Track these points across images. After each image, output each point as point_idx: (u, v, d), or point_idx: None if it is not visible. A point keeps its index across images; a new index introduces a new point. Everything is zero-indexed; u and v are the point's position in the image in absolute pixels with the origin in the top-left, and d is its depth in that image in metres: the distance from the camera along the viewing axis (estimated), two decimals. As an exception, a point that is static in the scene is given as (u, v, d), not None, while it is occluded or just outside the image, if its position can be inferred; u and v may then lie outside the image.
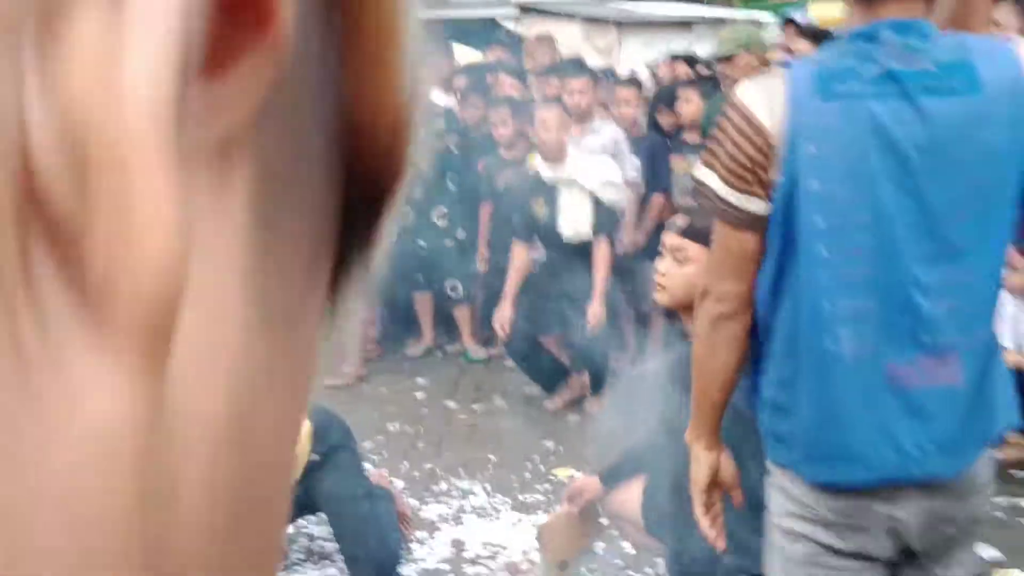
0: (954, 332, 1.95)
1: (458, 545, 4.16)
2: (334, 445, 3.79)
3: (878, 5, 1.92)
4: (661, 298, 3.12)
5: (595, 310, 5.32)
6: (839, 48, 2.08)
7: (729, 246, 2.04)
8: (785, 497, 2.09)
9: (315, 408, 3.86)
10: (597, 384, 5.55)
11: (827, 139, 1.94)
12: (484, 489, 4.69)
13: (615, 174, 5.57)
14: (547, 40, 7.74)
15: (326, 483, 3.74)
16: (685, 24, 16.63)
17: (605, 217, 5.45)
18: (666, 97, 6.19)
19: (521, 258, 5.64)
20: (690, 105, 5.67)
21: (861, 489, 2.01)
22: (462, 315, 6.85)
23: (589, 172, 5.45)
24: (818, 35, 6.32)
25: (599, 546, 3.84)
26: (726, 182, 1.97)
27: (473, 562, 4.02)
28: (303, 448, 3.71)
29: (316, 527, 4.25)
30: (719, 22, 16.86)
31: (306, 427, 3.73)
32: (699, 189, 2.06)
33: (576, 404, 5.70)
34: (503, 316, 5.62)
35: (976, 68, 1.90)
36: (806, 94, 1.95)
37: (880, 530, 2.03)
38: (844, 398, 1.98)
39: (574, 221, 5.40)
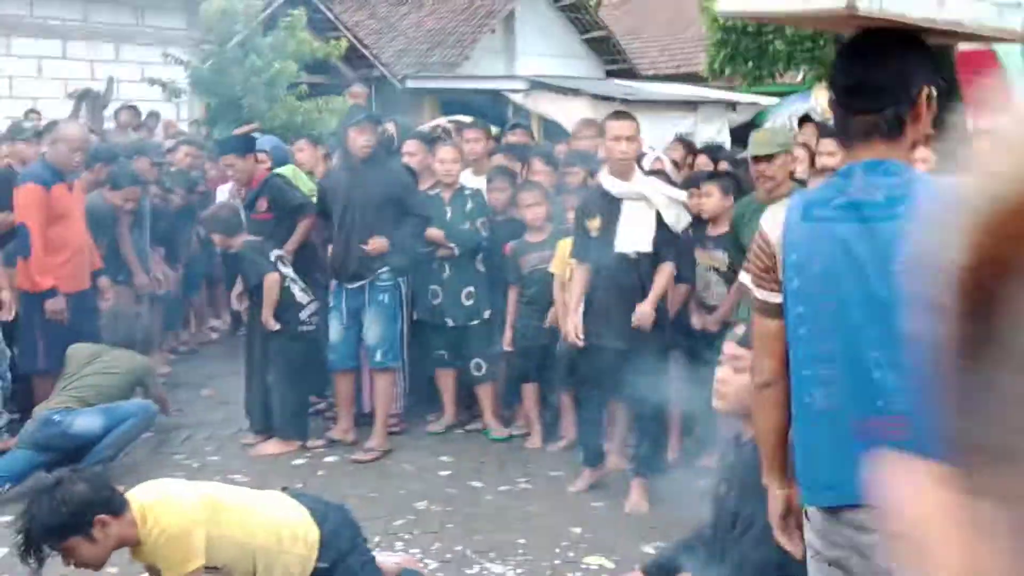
0: (903, 399, 2.34)
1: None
2: (343, 551, 3.82)
3: (854, 151, 2.54)
4: (720, 405, 3.20)
5: (644, 308, 5.32)
6: (827, 182, 2.82)
7: (761, 330, 2.67)
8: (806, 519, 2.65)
9: (325, 510, 3.91)
10: (645, 467, 5.59)
11: (804, 250, 2.55)
12: (517, 574, 4.72)
13: (681, 195, 5.60)
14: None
15: None
16: (691, 104, 16.88)
17: (666, 236, 5.42)
18: (696, 184, 6.21)
19: (583, 277, 5.57)
20: (711, 200, 5.79)
21: (834, 508, 2.53)
22: (485, 393, 6.91)
23: (657, 188, 5.51)
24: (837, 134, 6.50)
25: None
26: (755, 282, 2.67)
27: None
28: (310, 556, 3.75)
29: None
30: (724, 104, 17.18)
31: (313, 534, 3.77)
32: (742, 288, 3.08)
33: (601, 488, 5.73)
34: (575, 323, 5.53)
35: (914, 199, 2.36)
36: (794, 217, 2.58)
37: (850, 550, 2.51)
38: (818, 442, 2.56)
39: (633, 236, 5.38)
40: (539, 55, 20.79)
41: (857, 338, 2.49)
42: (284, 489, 4.14)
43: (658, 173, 6.29)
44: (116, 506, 3.48)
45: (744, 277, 2.90)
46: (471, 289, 6.79)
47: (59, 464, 5.70)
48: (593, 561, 4.82)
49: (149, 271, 8.25)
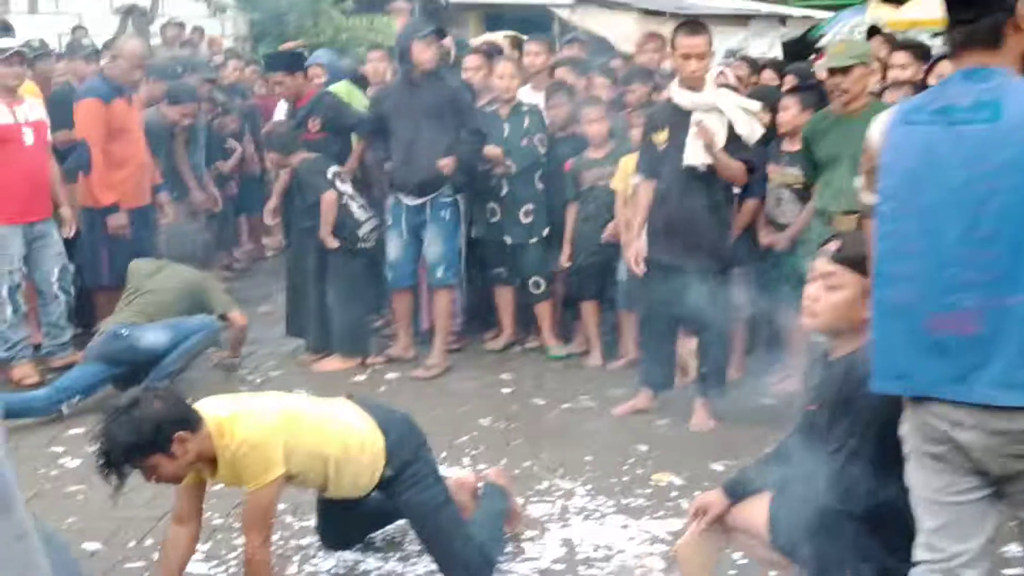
0: (977, 297, 2.51)
1: (568, 545, 4.17)
2: (407, 459, 3.81)
3: (958, 60, 2.64)
4: (810, 323, 3.13)
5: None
6: (928, 89, 3.14)
7: (871, 234, 2.77)
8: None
9: (390, 419, 3.90)
10: (708, 386, 5.54)
11: (895, 151, 2.65)
12: (586, 490, 4.70)
13: (755, 105, 5.44)
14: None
15: (404, 496, 3.80)
16: (742, 19, 16.55)
17: (737, 150, 5.25)
18: (765, 98, 5.99)
19: (647, 194, 5.47)
20: (788, 113, 5.63)
21: (920, 399, 2.66)
22: (543, 311, 6.86)
23: (730, 98, 5.37)
24: (910, 46, 6.30)
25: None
26: (864, 185, 2.82)
27: (587, 564, 4.02)
28: (376, 464, 3.75)
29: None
30: (776, 18, 16.83)
31: (379, 443, 3.76)
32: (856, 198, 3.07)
33: (663, 407, 5.70)
34: (637, 250, 5.48)
35: (1001, 105, 2.51)
36: (893, 121, 2.70)
37: (948, 445, 2.64)
38: (893, 335, 2.67)
39: (703, 149, 5.19)
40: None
41: (936, 236, 2.58)
42: (350, 396, 4.10)
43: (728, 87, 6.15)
44: (193, 422, 3.48)
45: (856, 182, 2.99)
46: (530, 207, 6.70)
47: (125, 377, 5.79)
48: (662, 478, 4.79)
49: (204, 188, 8.25)
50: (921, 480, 2.77)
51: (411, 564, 4.07)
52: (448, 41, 7.62)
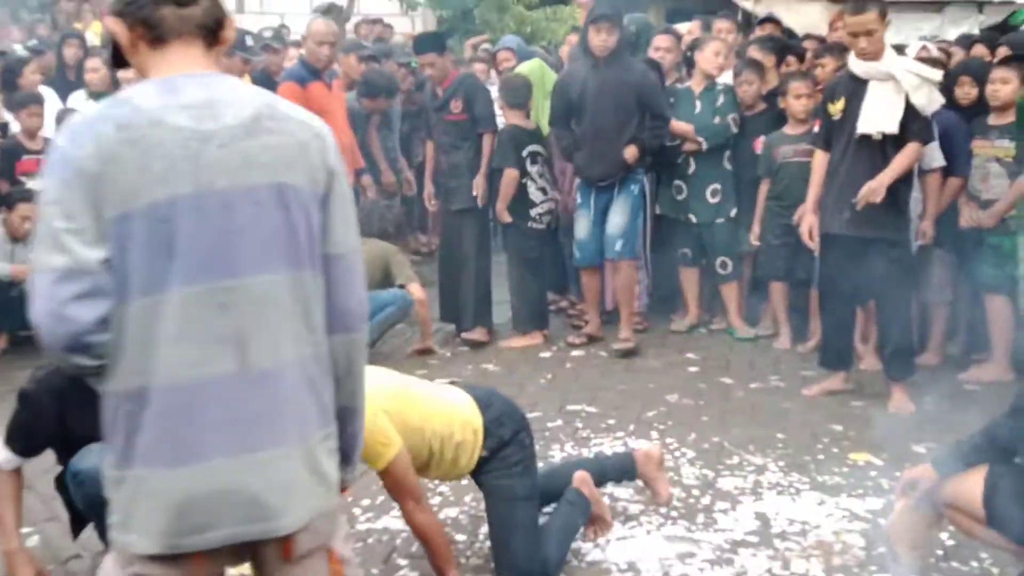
0: None
1: (763, 519, 4.04)
2: (504, 440, 3.69)
3: None
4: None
5: (872, 184, 4.93)
6: None
7: None
8: None
9: (491, 399, 3.78)
10: (895, 369, 5.31)
11: None
12: (778, 466, 4.56)
13: (935, 75, 5.13)
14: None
15: (488, 476, 3.68)
16: (937, 5, 15.90)
17: (913, 119, 4.99)
18: (975, 71, 5.76)
19: (822, 165, 5.33)
20: (1008, 87, 5.29)
21: None
22: (729, 292, 6.72)
23: (908, 67, 5.09)
24: None
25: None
26: None
27: (782, 537, 3.89)
28: (476, 443, 3.64)
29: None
30: (974, 4, 16.08)
31: (479, 421, 3.65)
32: None
33: (858, 388, 5.50)
34: (810, 223, 5.36)
35: None
36: None
37: None
38: None
39: (878, 117, 4.99)
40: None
41: None
42: (453, 382, 4.07)
43: (930, 61, 5.88)
44: None
45: None
46: (717, 186, 6.57)
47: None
48: (859, 457, 4.60)
49: (399, 171, 8.39)
50: None
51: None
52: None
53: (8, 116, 6.87)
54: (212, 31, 2.02)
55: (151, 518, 1.92)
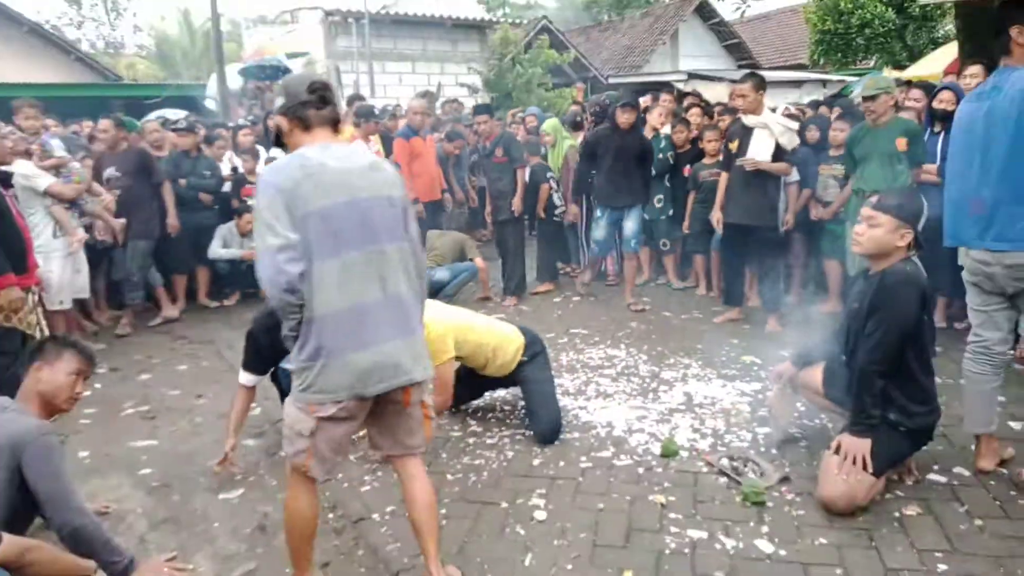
0: (990, 200, 2.80)
1: (688, 396, 4.03)
2: (536, 352, 3.70)
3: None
4: (857, 250, 2.88)
5: (749, 158, 4.92)
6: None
7: None
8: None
9: (527, 330, 3.77)
10: (770, 305, 5.23)
11: (957, 120, 3.00)
12: (698, 364, 4.53)
13: (793, 124, 5.06)
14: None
15: (526, 371, 3.65)
16: (797, 83, 15.53)
17: (781, 153, 4.93)
18: (819, 123, 5.67)
19: (724, 181, 5.23)
20: (841, 133, 5.16)
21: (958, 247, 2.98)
22: (669, 261, 6.64)
23: (775, 119, 5.01)
24: (921, 85, 5.67)
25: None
26: None
27: (700, 406, 3.88)
28: (519, 351, 3.64)
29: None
30: (820, 82, 15.64)
31: (521, 340, 3.65)
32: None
33: (745, 320, 5.42)
34: (717, 216, 5.26)
35: (1008, 86, 2.75)
36: (961, 105, 3.07)
37: (981, 276, 2.89)
38: (950, 214, 2.99)
39: (757, 151, 4.91)
40: (694, 56, 19.55)
41: (970, 163, 2.87)
42: (501, 318, 4.10)
43: (791, 116, 5.77)
44: None
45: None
46: (661, 196, 6.45)
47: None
48: (747, 359, 4.56)
49: (466, 191, 8.34)
50: (971, 298, 3.01)
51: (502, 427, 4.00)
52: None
53: (237, 161, 6.94)
54: (335, 122, 2.27)
55: (341, 381, 2.14)
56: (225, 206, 6.59)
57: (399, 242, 2.23)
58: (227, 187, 6.67)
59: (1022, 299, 2.85)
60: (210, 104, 12.25)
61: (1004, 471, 3.04)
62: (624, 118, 5.82)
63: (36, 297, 3.88)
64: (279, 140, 2.29)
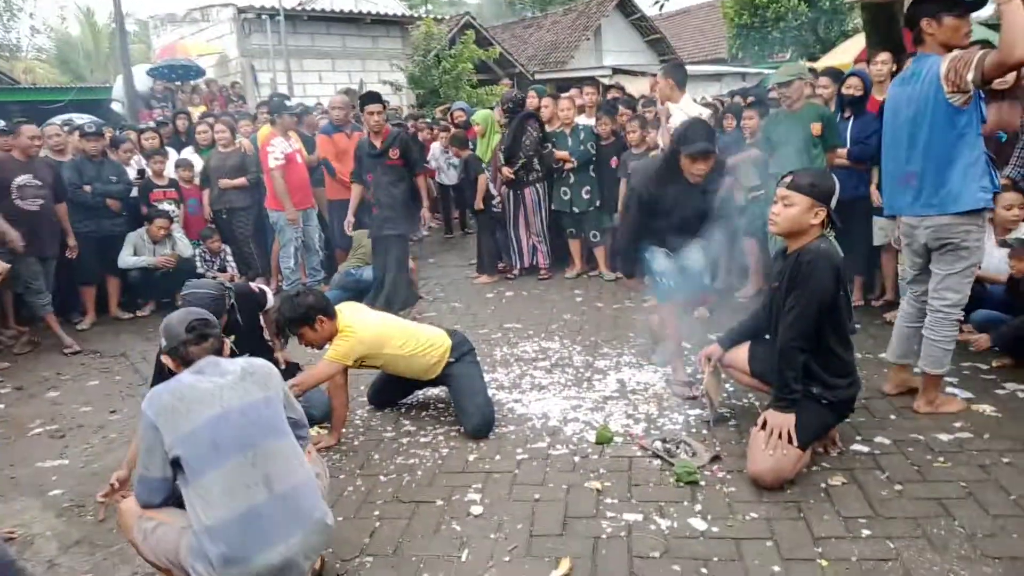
0: (915, 167, 3.20)
1: (621, 383, 4.08)
2: (464, 352, 3.71)
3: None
4: (773, 229, 2.97)
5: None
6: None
7: None
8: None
9: (454, 333, 3.78)
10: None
11: (888, 102, 3.37)
12: (630, 353, 4.59)
13: (705, 111, 4.89)
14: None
15: (453, 369, 3.65)
16: (717, 76, 16.06)
17: None
18: (734, 111, 5.88)
19: None
20: (752, 121, 5.35)
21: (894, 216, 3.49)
22: (599, 252, 6.71)
23: (688, 107, 4.94)
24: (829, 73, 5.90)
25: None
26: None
27: (633, 392, 3.94)
28: (445, 354, 3.65)
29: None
30: (739, 74, 16.18)
31: (446, 344, 3.66)
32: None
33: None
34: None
35: (923, 71, 3.12)
36: (891, 88, 3.38)
37: (909, 238, 3.36)
38: (887, 185, 3.46)
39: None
40: (617, 52, 19.90)
41: (900, 141, 3.25)
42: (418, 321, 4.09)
43: (709, 106, 5.94)
44: (330, 312, 3.44)
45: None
46: (588, 187, 6.53)
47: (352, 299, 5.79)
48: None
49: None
50: (906, 256, 3.46)
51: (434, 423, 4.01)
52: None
53: (144, 163, 6.65)
54: (219, 351, 2.40)
55: None
56: (134, 212, 6.32)
57: (281, 438, 2.27)
58: (134, 192, 6.40)
59: (940, 254, 3.24)
60: (117, 107, 11.72)
61: (910, 411, 3.33)
62: (696, 169, 3.71)
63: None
64: (169, 372, 2.41)
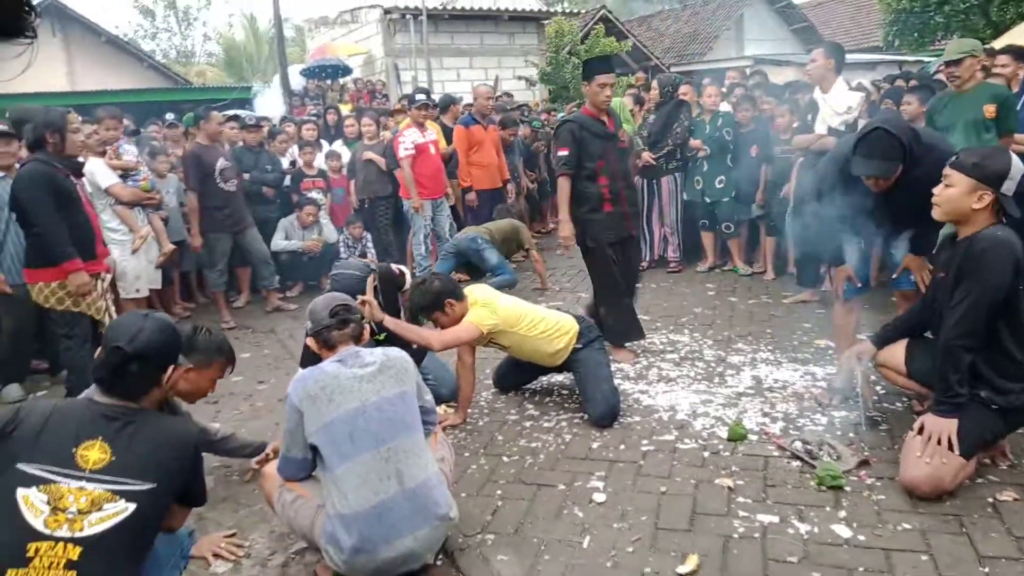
0: None
1: (757, 380, 3.86)
2: (591, 339, 3.62)
3: None
4: (936, 212, 2.68)
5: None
6: None
7: None
8: None
9: (581, 319, 3.69)
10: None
11: None
12: (767, 348, 4.34)
13: (849, 107, 4.55)
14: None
15: (581, 353, 3.56)
16: (871, 66, 14.93)
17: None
18: (891, 97, 5.37)
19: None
20: (911, 106, 4.87)
21: None
22: (734, 245, 6.41)
23: (834, 100, 4.60)
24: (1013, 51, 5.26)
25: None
26: None
27: (770, 390, 3.71)
28: (572, 339, 3.56)
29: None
30: (895, 63, 14.95)
31: (576, 328, 3.57)
32: None
33: (819, 303, 5.16)
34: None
35: None
36: None
37: None
38: None
39: (822, 123, 4.59)
40: (759, 41, 18.99)
41: None
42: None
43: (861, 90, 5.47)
44: (459, 295, 3.43)
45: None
46: (722, 177, 6.23)
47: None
48: (821, 342, 4.34)
49: (518, 180, 8.21)
50: None
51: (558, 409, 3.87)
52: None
53: (297, 154, 7.05)
54: (358, 337, 2.52)
55: (364, 570, 2.24)
56: (286, 200, 6.72)
57: (413, 433, 2.32)
58: (287, 181, 6.80)
59: None
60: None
61: None
62: (870, 185, 3.08)
63: (105, 284, 4.01)
64: (315, 358, 2.52)
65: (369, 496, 2.18)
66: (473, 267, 6.02)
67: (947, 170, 2.62)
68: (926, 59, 14.86)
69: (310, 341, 2.56)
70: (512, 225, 6.37)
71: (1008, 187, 2.55)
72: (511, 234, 6.29)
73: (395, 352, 2.48)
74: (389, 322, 3.28)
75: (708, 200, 6.30)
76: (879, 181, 3.00)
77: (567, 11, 17.02)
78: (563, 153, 4.16)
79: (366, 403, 2.27)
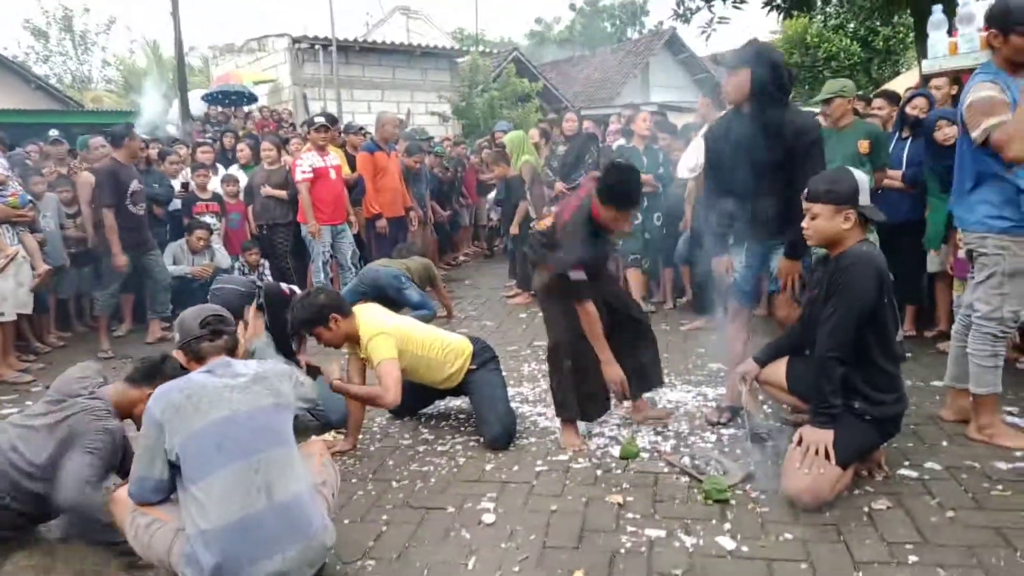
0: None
1: (651, 401, 3.87)
2: (485, 359, 3.59)
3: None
4: (811, 243, 2.81)
5: None
6: None
7: None
8: None
9: (476, 339, 3.69)
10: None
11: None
12: (666, 372, 4.34)
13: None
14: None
15: (475, 377, 3.53)
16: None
17: None
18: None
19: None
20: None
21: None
22: (666, 274, 6.24)
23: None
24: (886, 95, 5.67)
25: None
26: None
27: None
28: (466, 362, 3.53)
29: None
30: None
31: (468, 350, 3.54)
32: None
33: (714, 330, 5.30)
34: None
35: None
36: None
37: None
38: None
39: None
40: (665, 88, 19.92)
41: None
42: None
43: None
44: (345, 311, 3.27)
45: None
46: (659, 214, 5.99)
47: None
48: (715, 363, 4.44)
49: (425, 210, 8.12)
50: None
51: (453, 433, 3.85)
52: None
53: (190, 177, 6.79)
54: (231, 349, 2.41)
55: None
56: (177, 224, 6.44)
57: (286, 446, 2.17)
58: (179, 204, 6.53)
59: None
60: (171, 129, 12.10)
61: (973, 464, 2.94)
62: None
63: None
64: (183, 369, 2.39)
65: (234, 510, 2.01)
66: (388, 300, 5.85)
67: (806, 204, 2.77)
68: (816, 110, 16.03)
69: (177, 354, 2.39)
70: (424, 264, 6.27)
71: (863, 199, 2.72)
72: (424, 273, 6.20)
73: (271, 365, 2.35)
74: (338, 385, 3.17)
75: (648, 236, 5.94)
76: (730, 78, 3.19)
77: (482, 51, 17.36)
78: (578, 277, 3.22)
79: (237, 412, 2.12)
